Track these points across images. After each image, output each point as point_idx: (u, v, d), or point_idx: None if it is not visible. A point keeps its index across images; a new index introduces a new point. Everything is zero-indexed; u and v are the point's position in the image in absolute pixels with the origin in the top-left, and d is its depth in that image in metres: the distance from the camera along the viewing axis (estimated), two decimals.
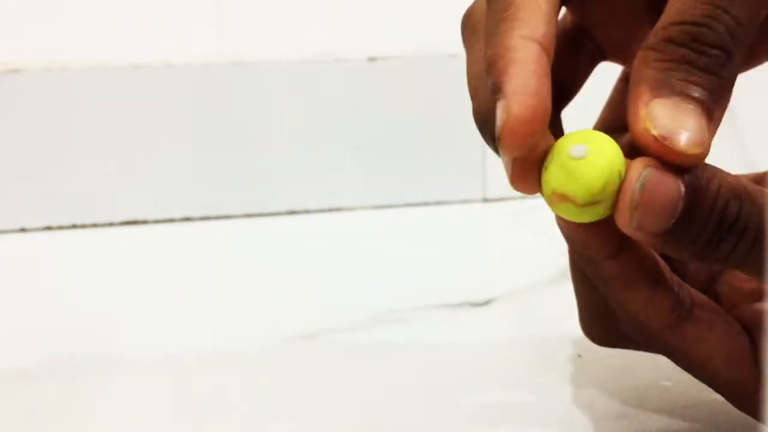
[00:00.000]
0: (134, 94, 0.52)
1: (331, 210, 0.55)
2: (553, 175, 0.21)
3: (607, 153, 0.21)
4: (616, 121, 0.29)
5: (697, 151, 0.21)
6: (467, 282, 0.41)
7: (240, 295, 0.40)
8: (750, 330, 0.25)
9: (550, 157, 0.22)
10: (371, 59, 0.54)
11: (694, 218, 0.20)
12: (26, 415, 0.29)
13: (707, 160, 0.22)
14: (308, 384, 0.31)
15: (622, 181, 0.21)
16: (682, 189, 0.20)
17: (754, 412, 0.24)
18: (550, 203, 0.22)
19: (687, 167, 0.21)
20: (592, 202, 0.21)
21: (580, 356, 0.32)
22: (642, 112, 0.21)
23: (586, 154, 0.21)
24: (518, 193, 0.23)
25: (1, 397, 0.31)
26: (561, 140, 0.22)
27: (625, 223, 0.21)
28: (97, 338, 0.36)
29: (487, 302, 0.38)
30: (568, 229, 0.23)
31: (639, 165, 0.21)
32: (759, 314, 0.25)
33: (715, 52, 0.21)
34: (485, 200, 0.55)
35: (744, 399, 0.25)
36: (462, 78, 0.25)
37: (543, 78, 0.21)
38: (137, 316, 0.38)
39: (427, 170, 0.55)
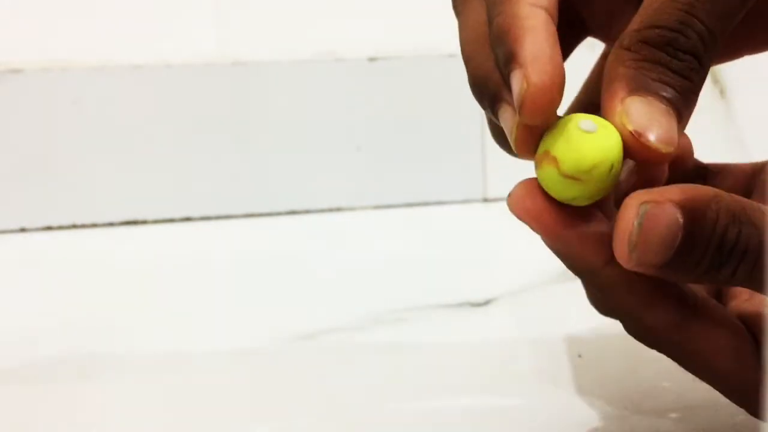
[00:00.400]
0: (134, 94, 0.52)
1: (331, 210, 0.55)
2: (553, 137, 0.21)
3: (611, 140, 0.21)
4: (592, 100, 0.29)
5: (668, 149, 0.21)
6: (467, 282, 0.41)
7: (240, 295, 0.40)
8: (752, 328, 0.25)
9: (556, 124, 0.22)
10: (371, 59, 0.54)
11: (693, 246, 0.20)
12: (26, 416, 0.29)
13: (706, 160, 0.22)
14: (308, 384, 0.31)
15: (618, 218, 0.21)
16: (680, 219, 0.20)
17: (757, 410, 0.24)
18: (537, 162, 0.22)
19: (685, 194, 0.20)
20: (573, 176, 0.21)
21: (580, 356, 0.32)
22: (618, 108, 0.21)
23: (594, 131, 0.21)
24: None
25: (1, 397, 0.31)
26: (573, 114, 0.22)
27: (624, 259, 0.21)
28: (97, 338, 0.36)
29: (487, 302, 0.38)
30: (563, 242, 0.23)
31: (635, 201, 0.21)
32: (760, 312, 0.25)
33: (687, 57, 0.22)
34: (485, 200, 0.55)
35: (747, 397, 0.25)
36: (462, 78, 0.25)
37: (556, 45, 0.22)
38: (137, 316, 0.38)
39: (427, 170, 0.55)
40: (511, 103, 0.22)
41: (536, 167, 0.22)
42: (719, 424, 0.27)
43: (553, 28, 0.22)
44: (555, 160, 0.21)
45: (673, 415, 0.28)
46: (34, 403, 0.30)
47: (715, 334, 0.24)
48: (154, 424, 0.29)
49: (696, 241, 0.20)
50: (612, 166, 0.21)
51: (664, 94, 0.21)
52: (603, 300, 0.25)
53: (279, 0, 0.54)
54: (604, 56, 0.29)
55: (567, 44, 0.27)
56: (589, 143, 0.21)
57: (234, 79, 0.53)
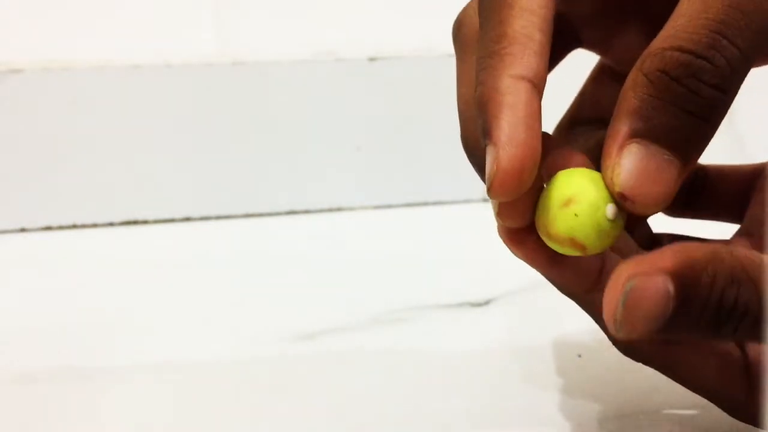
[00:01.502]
0: (134, 94, 0.52)
1: (331, 210, 0.55)
2: (581, 224, 0.21)
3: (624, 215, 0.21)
4: (584, 114, 0.29)
5: (657, 209, 0.20)
6: (467, 282, 0.41)
7: (240, 295, 0.40)
8: (744, 345, 0.25)
9: (575, 203, 0.21)
10: (371, 59, 0.54)
11: (688, 312, 0.20)
12: (26, 416, 0.29)
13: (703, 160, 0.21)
14: (308, 384, 0.31)
15: (606, 292, 0.20)
16: (672, 289, 0.19)
17: (749, 421, 0.25)
18: (557, 243, 0.22)
19: (677, 261, 0.19)
20: (596, 253, 0.22)
21: (579, 356, 0.32)
22: (614, 156, 0.21)
23: (615, 219, 0.21)
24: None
25: (1, 397, 0.31)
26: (589, 190, 0.21)
27: (613, 332, 0.20)
28: (97, 338, 0.36)
29: (487, 302, 0.38)
30: (544, 270, 0.23)
31: (622, 275, 0.19)
32: None
33: (710, 93, 0.20)
34: (485, 200, 0.55)
35: (738, 410, 0.25)
36: None
37: (533, 123, 0.21)
38: (137, 316, 0.38)
39: (427, 170, 0.55)
40: None
41: (554, 244, 0.22)
42: (719, 425, 0.27)
43: (534, 103, 0.21)
44: (583, 247, 0.21)
45: (674, 415, 0.28)
46: (34, 403, 0.30)
47: (699, 356, 0.24)
48: (154, 424, 0.29)
49: (691, 307, 0.20)
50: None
51: (673, 142, 0.20)
52: (590, 316, 0.25)
53: (279, 0, 0.54)
54: (600, 69, 0.29)
55: (555, 54, 0.26)
56: (616, 229, 0.21)
57: (234, 79, 0.53)
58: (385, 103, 0.54)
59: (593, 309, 0.24)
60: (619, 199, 0.21)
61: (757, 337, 0.20)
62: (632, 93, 0.21)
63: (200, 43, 0.53)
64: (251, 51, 0.53)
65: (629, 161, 0.20)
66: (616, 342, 0.25)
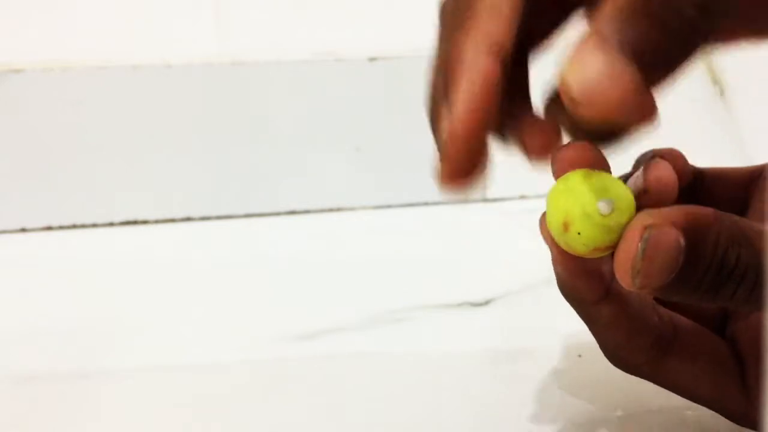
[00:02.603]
0: (134, 94, 0.52)
1: (331, 210, 0.55)
2: (586, 238, 0.22)
3: (626, 213, 0.21)
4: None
5: (611, 116, 0.19)
6: (467, 282, 0.41)
7: (240, 295, 0.40)
8: (739, 346, 0.25)
9: (571, 224, 0.22)
10: (371, 59, 0.54)
11: (694, 268, 0.20)
12: (26, 416, 0.29)
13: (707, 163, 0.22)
14: (308, 384, 0.31)
15: (622, 241, 0.21)
16: (682, 243, 0.20)
17: (750, 426, 0.25)
18: (559, 230, 0.22)
19: (687, 217, 0.20)
20: (596, 249, 0.22)
21: (580, 356, 0.32)
22: (573, 60, 0.20)
23: (610, 212, 0.21)
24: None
25: (1, 397, 0.31)
26: (577, 204, 0.22)
27: (627, 283, 0.21)
28: (97, 338, 0.36)
29: (487, 302, 0.38)
30: (564, 275, 0.24)
31: (639, 225, 0.20)
32: (750, 335, 0.25)
33: (691, 13, 0.19)
34: (485, 200, 0.55)
35: (735, 417, 0.25)
36: None
37: (488, 94, 0.21)
38: (137, 316, 0.38)
39: (427, 170, 0.55)
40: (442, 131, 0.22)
41: (558, 231, 0.22)
42: (719, 424, 0.27)
43: (492, 75, 0.21)
44: (603, 249, 0.22)
45: (674, 414, 0.28)
46: (34, 403, 0.30)
47: (690, 367, 0.25)
48: (154, 423, 0.29)
49: (697, 264, 0.20)
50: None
51: (638, 51, 0.19)
52: (587, 326, 0.25)
53: (279, 0, 0.54)
54: None
55: (555, 18, 0.25)
56: (621, 215, 0.21)
57: (234, 79, 0.53)
58: (385, 103, 0.54)
59: (598, 320, 0.24)
60: (569, 105, 0.20)
61: (753, 303, 0.21)
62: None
63: (200, 43, 0.53)
64: (251, 51, 0.53)
65: (584, 65, 0.19)
66: (609, 355, 0.25)
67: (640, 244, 0.20)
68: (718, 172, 0.29)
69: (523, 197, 0.55)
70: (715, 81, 0.56)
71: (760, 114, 0.56)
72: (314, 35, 0.54)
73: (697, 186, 0.29)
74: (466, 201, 0.56)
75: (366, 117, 0.54)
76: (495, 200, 0.55)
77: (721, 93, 0.56)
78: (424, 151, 0.55)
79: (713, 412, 0.26)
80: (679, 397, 0.28)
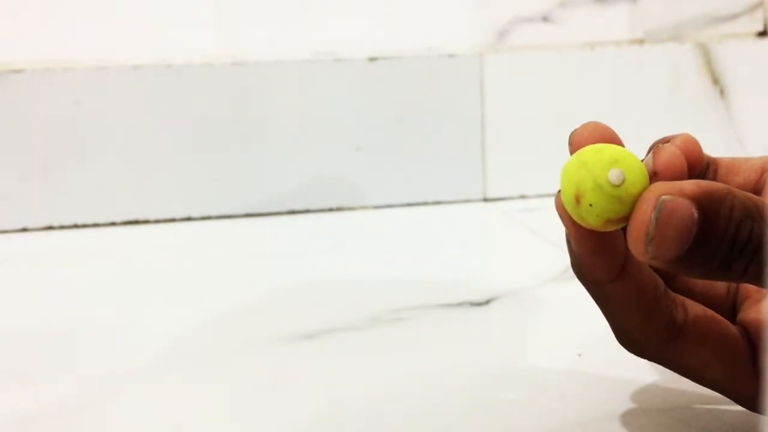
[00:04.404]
0: (134, 94, 0.52)
1: (331, 210, 0.55)
2: (598, 210, 0.22)
3: (638, 185, 0.22)
4: None
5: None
6: (467, 282, 0.41)
7: (240, 295, 0.40)
8: (749, 332, 0.25)
9: (582, 197, 0.22)
10: (371, 59, 0.54)
11: (707, 242, 0.20)
12: (26, 416, 0.29)
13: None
14: (308, 383, 0.31)
15: (636, 209, 0.21)
16: (696, 214, 0.20)
17: (762, 411, 0.25)
18: (574, 201, 0.22)
19: (701, 190, 0.20)
20: (609, 220, 0.22)
21: (580, 355, 0.32)
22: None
23: (621, 183, 0.22)
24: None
25: (1, 396, 0.31)
26: (588, 175, 0.22)
27: (640, 253, 0.21)
28: (98, 338, 0.36)
29: (487, 302, 0.38)
30: (579, 252, 0.24)
31: (654, 194, 0.21)
32: (761, 321, 0.25)
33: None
34: (485, 200, 0.55)
35: (745, 400, 0.25)
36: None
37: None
38: (138, 315, 0.38)
39: (427, 170, 0.55)
40: None
41: (571, 204, 0.23)
42: (720, 422, 0.27)
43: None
44: (617, 221, 0.22)
45: (674, 414, 0.28)
46: (34, 403, 0.30)
47: (701, 349, 0.24)
48: (154, 422, 0.29)
49: (710, 237, 0.20)
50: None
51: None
52: (601, 309, 0.25)
53: (279, 0, 0.54)
54: None
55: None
56: (635, 184, 0.22)
57: (234, 79, 0.53)
58: (385, 103, 0.54)
59: (612, 300, 0.24)
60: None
61: (765, 281, 0.21)
62: None
63: (201, 43, 0.53)
64: (251, 51, 0.53)
65: None
66: (621, 338, 0.25)
67: (653, 213, 0.20)
68: (731, 162, 0.29)
69: (523, 197, 0.55)
70: (715, 81, 0.56)
71: (760, 114, 0.56)
72: (314, 35, 0.54)
73: (711, 175, 0.29)
74: (466, 201, 0.56)
75: (366, 117, 0.54)
76: (495, 200, 0.55)
77: (722, 93, 0.56)
78: (425, 151, 0.55)
79: (713, 409, 0.26)
80: (679, 398, 0.28)
